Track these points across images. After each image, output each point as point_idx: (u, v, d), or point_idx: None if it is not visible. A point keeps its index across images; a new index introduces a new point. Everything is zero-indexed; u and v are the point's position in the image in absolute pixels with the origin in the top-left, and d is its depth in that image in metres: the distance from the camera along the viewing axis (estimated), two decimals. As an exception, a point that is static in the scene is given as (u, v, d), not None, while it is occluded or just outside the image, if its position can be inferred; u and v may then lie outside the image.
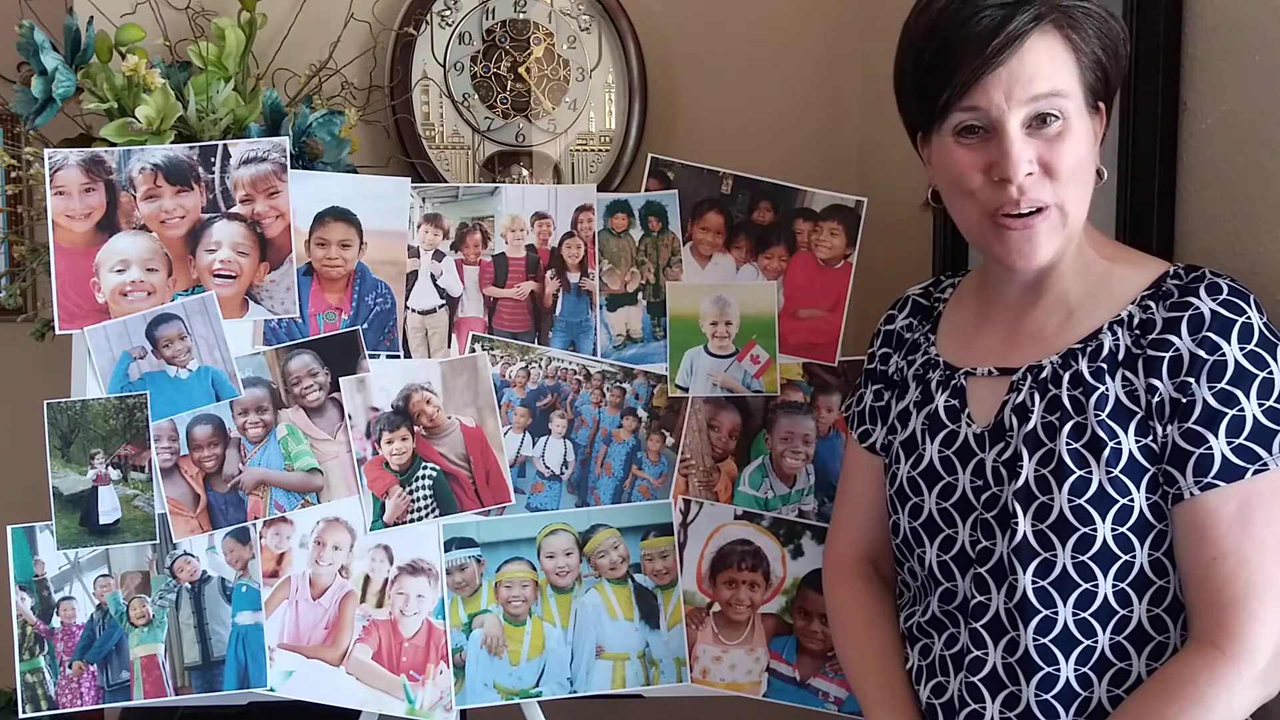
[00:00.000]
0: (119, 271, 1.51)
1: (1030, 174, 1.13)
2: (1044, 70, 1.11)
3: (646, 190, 1.62)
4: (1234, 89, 1.27)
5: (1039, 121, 1.12)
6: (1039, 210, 1.14)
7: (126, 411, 1.51)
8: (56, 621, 1.51)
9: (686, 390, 1.60)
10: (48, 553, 1.50)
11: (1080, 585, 1.14)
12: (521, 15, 1.89)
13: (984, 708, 1.19)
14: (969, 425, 1.24)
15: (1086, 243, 1.21)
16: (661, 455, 1.60)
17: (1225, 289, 1.13)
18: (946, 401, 1.26)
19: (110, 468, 1.50)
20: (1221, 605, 1.09)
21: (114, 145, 1.52)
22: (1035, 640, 1.15)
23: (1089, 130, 1.15)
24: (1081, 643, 1.14)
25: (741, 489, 1.61)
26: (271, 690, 1.53)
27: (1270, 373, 1.09)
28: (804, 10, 1.98)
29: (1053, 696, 1.15)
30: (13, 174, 2.11)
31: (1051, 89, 1.11)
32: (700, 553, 1.60)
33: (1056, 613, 1.15)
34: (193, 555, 1.53)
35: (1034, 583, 1.15)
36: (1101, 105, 1.18)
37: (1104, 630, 1.14)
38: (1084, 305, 1.19)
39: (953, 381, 1.27)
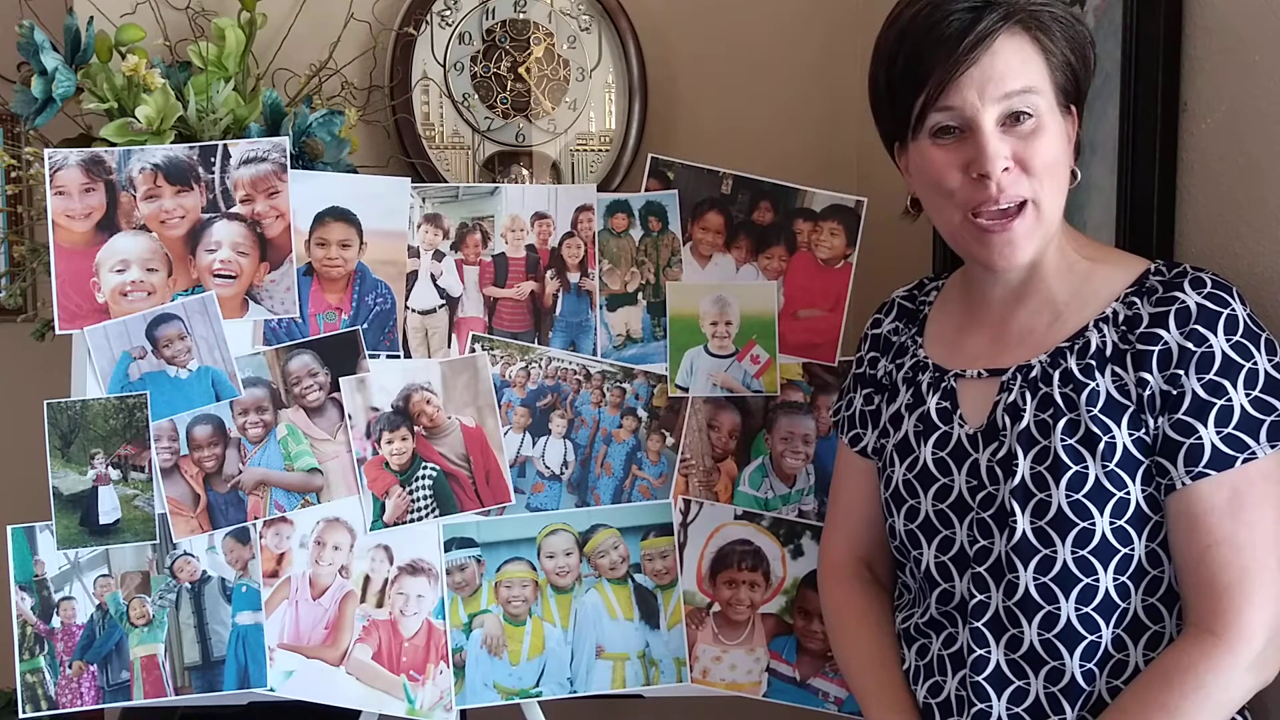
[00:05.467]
0: (119, 271, 1.51)
1: (1007, 169, 1.14)
2: (1015, 68, 1.13)
3: (646, 190, 1.61)
4: (1234, 89, 1.27)
5: (1013, 120, 1.14)
6: (1020, 207, 1.15)
7: (126, 411, 1.51)
8: (56, 621, 1.51)
9: (686, 390, 1.60)
10: (48, 553, 1.50)
11: (1081, 580, 1.15)
12: (521, 15, 1.89)
13: (990, 706, 1.19)
14: (961, 426, 1.25)
15: (1068, 243, 1.23)
16: (661, 455, 1.60)
17: (1209, 283, 1.14)
18: (938, 404, 1.27)
19: (110, 468, 1.50)
20: (1217, 592, 1.10)
21: (114, 145, 1.52)
22: (1040, 635, 1.16)
23: (1062, 129, 1.17)
24: (1085, 637, 1.15)
25: (741, 489, 1.61)
26: (271, 690, 1.53)
27: (1255, 363, 1.11)
28: (804, 11, 1.98)
29: (1059, 690, 1.16)
30: (13, 174, 2.10)
31: (1024, 86, 1.14)
32: (700, 553, 1.60)
33: (1059, 609, 1.15)
34: (193, 555, 1.52)
35: (1035, 579, 1.16)
36: (1073, 108, 1.20)
37: (1106, 624, 1.15)
38: (1069, 304, 1.21)
39: (943, 384, 1.28)
